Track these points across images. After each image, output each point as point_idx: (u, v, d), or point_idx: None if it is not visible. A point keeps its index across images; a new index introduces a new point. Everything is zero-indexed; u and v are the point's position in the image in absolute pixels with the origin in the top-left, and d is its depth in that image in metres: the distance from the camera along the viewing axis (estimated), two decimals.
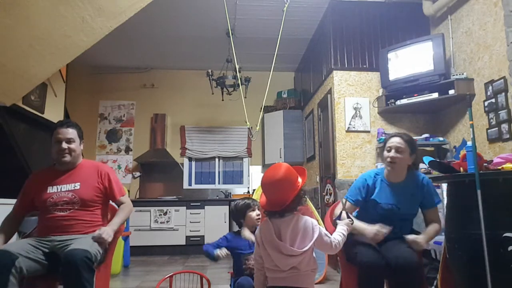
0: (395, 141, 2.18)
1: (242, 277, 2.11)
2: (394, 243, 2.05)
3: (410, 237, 2.02)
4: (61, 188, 2.23)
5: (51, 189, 2.21)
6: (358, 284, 1.96)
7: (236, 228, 2.38)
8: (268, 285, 1.66)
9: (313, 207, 3.97)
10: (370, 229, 2.04)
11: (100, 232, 2.09)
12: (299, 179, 1.67)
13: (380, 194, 2.22)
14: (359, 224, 2.08)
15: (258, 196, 4.16)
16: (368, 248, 2.00)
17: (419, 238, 2.04)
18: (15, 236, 3.14)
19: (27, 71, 3.19)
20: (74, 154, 2.28)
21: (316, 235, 1.62)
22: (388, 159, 2.16)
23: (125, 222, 2.80)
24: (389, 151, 2.17)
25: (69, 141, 2.25)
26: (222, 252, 2.11)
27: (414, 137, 4.18)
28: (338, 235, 1.75)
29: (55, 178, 2.26)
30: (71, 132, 2.26)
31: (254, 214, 2.24)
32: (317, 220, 3.64)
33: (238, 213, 2.31)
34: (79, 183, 2.25)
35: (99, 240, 2.07)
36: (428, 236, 2.11)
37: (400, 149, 2.15)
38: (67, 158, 2.25)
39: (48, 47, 3.08)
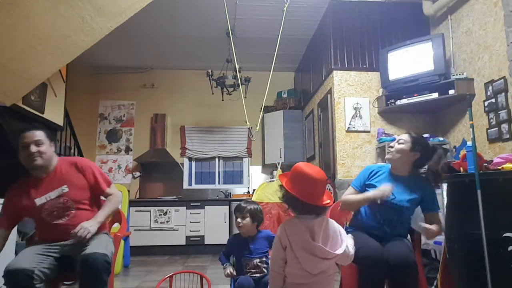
0: (402, 135, 2.30)
1: (242, 276, 2.12)
2: (394, 242, 2.05)
3: (425, 224, 2.02)
4: (49, 196, 2.10)
5: (40, 201, 2.09)
6: (359, 282, 1.96)
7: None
8: None
9: None
10: (375, 192, 2.09)
11: (77, 230, 1.95)
12: None
13: (380, 181, 2.24)
14: (358, 197, 2.17)
15: (258, 196, 4.16)
16: (369, 245, 2.00)
17: (433, 226, 2.01)
18: (16, 236, 3.16)
19: (27, 71, 3.18)
20: (46, 156, 2.11)
21: (345, 241, 1.54)
22: (388, 147, 2.30)
23: (126, 222, 2.80)
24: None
25: (37, 143, 2.09)
26: (230, 271, 2.17)
27: None
28: (352, 248, 1.67)
29: (38, 187, 2.12)
30: (38, 135, 2.11)
31: (236, 222, 2.25)
32: None
33: None
34: (66, 185, 2.13)
35: (78, 239, 1.94)
36: (438, 228, 2.08)
37: (401, 140, 2.24)
38: (39, 161, 2.09)
39: (48, 47, 3.08)
